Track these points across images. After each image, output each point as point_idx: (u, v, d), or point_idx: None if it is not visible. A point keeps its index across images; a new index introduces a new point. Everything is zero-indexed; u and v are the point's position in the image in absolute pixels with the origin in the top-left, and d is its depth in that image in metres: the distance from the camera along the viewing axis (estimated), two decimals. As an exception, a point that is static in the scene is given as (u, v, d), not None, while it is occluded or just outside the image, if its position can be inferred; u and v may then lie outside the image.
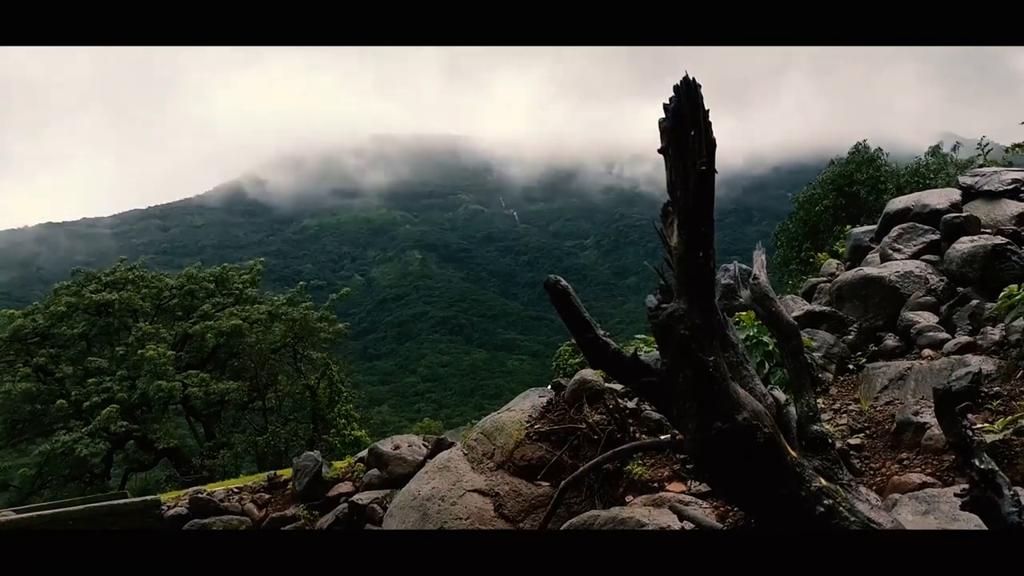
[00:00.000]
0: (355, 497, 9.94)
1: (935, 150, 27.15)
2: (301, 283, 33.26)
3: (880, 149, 26.62)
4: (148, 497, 11.42)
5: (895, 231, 10.80)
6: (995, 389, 6.92)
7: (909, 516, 5.20)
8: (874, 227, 12.10)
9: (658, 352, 3.31)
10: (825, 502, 3.21)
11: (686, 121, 2.84)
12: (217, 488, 11.68)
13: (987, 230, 9.85)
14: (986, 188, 10.73)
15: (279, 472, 11.67)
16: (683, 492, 6.86)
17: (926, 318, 8.87)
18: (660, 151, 2.95)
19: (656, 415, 8.13)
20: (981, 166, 13.38)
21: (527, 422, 8.55)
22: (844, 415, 7.55)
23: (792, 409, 4.33)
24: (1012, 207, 10.24)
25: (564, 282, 3.43)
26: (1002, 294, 7.72)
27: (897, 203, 11.65)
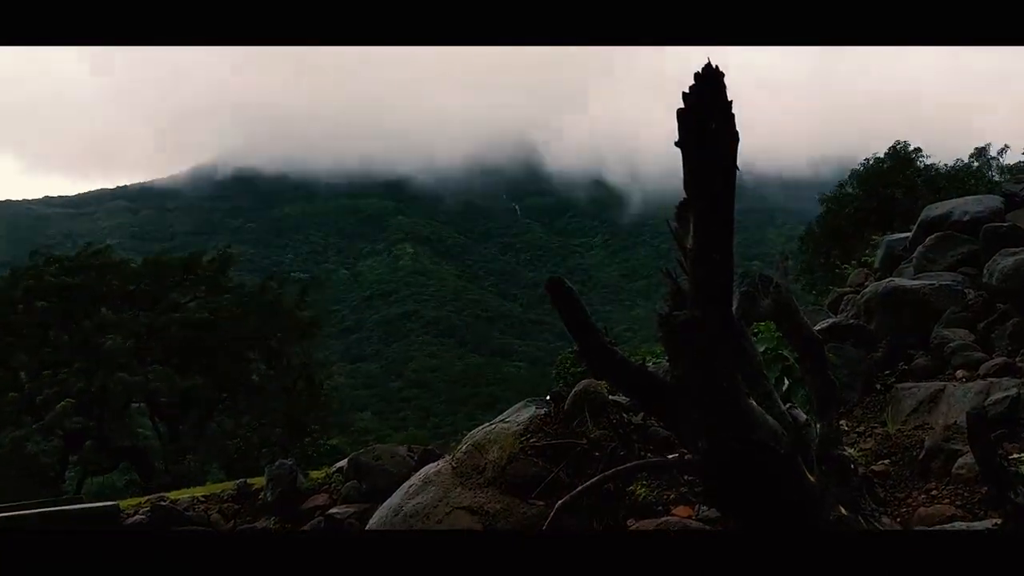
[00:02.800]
0: (332, 511, 9.95)
1: (981, 152, 26.96)
2: (275, 277, 33.41)
3: (919, 149, 26.56)
4: (107, 503, 11.42)
5: (931, 240, 10.81)
6: (1034, 416, 6.92)
7: (936, 551, 5.20)
8: (908, 235, 12.12)
9: (667, 362, 3.32)
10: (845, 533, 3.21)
11: (706, 112, 2.85)
12: (181, 496, 11.67)
13: (1032, 242, 9.86)
14: (1032, 196, 10.75)
15: (249, 480, 11.66)
16: (690, 517, 6.87)
17: (961, 336, 8.88)
18: (677, 144, 2.95)
19: (664, 431, 8.13)
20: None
21: (523, 435, 8.55)
22: (869, 438, 7.56)
23: (812, 430, 4.33)
24: (1060, 218, 10.26)
25: (568, 283, 3.44)
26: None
27: (934, 209, 11.67)
